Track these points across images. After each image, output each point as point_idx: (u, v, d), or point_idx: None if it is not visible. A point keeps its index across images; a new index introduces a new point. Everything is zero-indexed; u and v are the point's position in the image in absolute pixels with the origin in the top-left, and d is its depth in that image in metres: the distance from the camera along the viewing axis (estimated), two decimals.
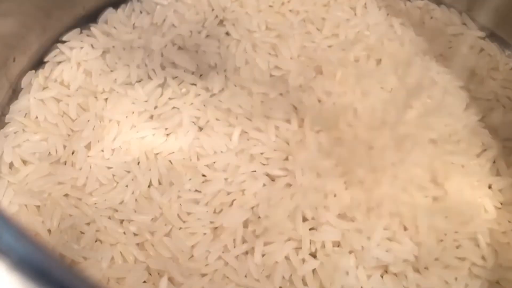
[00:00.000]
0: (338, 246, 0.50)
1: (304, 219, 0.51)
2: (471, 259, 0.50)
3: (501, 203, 0.55)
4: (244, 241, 0.50)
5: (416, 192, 0.53)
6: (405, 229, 0.51)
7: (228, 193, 0.52)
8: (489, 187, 0.56)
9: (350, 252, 0.50)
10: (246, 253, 0.50)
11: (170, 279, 0.48)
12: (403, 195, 0.52)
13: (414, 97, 0.58)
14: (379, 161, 0.54)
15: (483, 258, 0.51)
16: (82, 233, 0.50)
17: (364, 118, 0.57)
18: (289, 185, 0.53)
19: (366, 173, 0.53)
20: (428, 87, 0.61)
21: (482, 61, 0.67)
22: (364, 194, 0.52)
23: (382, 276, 0.50)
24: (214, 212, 0.52)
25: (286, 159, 0.54)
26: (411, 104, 0.58)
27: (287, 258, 0.49)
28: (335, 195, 0.52)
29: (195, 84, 0.60)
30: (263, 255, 0.49)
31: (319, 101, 0.59)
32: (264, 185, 0.53)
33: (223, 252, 0.49)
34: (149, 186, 0.53)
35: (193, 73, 0.61)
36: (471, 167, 0.56)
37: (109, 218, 0.51)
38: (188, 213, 0.51)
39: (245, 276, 0.48)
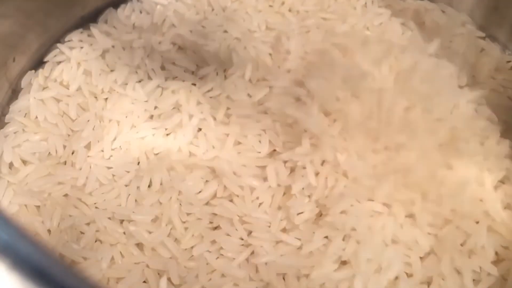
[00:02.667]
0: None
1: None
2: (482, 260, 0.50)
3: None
4: (243, 241, 0.50)
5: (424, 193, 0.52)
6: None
7: (228, 193, 0.52)
8: (500, 184, 0.55)
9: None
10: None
11: (170, 279, 0.48)
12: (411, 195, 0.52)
13: (417, 97, 0.58)
14: (384, 157, 0.53)
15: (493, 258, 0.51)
16: (82, 233, 0.50)
17: (367, 113, 0.56)
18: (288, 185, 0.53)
19: (370, 175, 0.53)
20: (429, 86, 0.60)
21: (482, 60, 0.66)
22: (366, 193, 0.51)
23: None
24: (214, 212, 0.51)
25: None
26: (414, 104, 0.57)
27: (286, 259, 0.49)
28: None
29: (194, 84, 0.60)
30: (262, 256, 0.49)
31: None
32: (263, 184, 0.53)
33: (222, 253, 0.49)
34: (149, 186, 0.53)
35: (193, 73, 0.61)
36: (477, 166, 0.56)
37: (109, 218, 0.51)
38: (188, 213, 0.51)
39: (244, 276, 0.48)
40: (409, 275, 0.49)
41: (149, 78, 0.60)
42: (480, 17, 0.70)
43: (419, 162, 0.52)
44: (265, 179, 0.53)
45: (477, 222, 0.51)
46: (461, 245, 0.50)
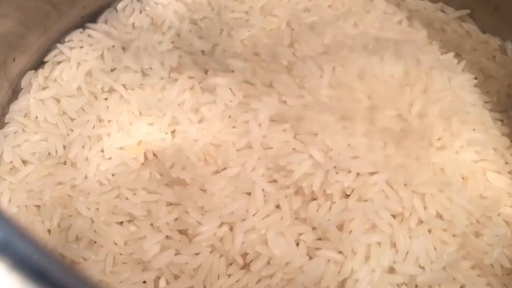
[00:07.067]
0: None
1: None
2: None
3: None
4: (243, 244, 0.49)
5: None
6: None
7: (230, 191, 0.51)
8: None
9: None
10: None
11: (169, 279, 0.48)
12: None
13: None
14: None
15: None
16: (82, 233, 0.50)
17: (377, 100, 0.57)
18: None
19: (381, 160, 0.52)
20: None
21: (489, 60, 0.67)
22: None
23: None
24: (216, 211, 0.51)
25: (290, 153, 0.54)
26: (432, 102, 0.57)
27: None
28: (337, 173, 0.51)
29: (195, 84, 0.60)
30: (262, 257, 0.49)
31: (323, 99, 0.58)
32: (270, 183, 0.52)
33: (221, 254, 0.49)
34: (148, 186, 0.53)
35: (192, 72, 0.61)
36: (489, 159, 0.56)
37: (109, 218, 0.51)
38: (189, 213, 0.51)
39: (242, 277, 0.48)
40: None
41: (149, 78, 0.60)
42: (480, 17, 0.70)
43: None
44: (274, 181, 0.52)
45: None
46: None
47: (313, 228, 0.50)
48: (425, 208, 0.50)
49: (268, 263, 0.48)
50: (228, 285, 0.48)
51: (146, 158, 0.55)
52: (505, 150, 0.58)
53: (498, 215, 0.53)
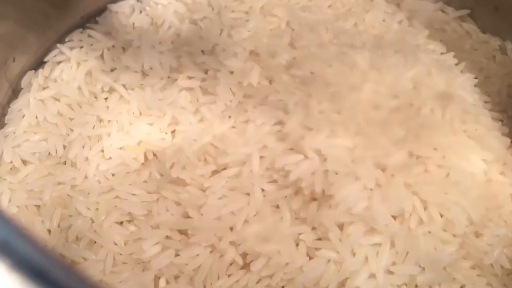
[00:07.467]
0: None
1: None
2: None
3: None
4: (240, 246, 0.49)
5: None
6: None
7: (231, 190, 0.52)
8: None
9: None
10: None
11: (169, 279, 0.48)
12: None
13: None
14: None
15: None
16: (82, 233, 0.50)
17: (382, 97, 0.57)
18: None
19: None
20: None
21: (489, 60, 0.67)
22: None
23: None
24: (216, 211, 0.51)
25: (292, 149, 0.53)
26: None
27: None
28: (336, 173, 0.51)
29: (195, 84, 0.60)
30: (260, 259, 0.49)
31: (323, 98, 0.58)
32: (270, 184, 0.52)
33: (221, 254, 0.49)
34: (148, 185, 0.53)
35: (192, 72, 0.61)
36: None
37: (109, 218, 0.51)
38: (189, 213, 0.51)
39: (241, 277, 0.48)
40: None
41: (149, 77, 0.60)
42: (480, 17, 0.70)
43: None
44: (273, 181, 0.52)
45: None
46: None
47: (313, 228, 0.50)
48: (425, 208, 0.50)
49: (268, 263, 0.48)
50: (228, 285, 0.48)
51: (146, 158, 0.55)
52: (505, 150, 0.58)
53: (499, 215, 0.53)
